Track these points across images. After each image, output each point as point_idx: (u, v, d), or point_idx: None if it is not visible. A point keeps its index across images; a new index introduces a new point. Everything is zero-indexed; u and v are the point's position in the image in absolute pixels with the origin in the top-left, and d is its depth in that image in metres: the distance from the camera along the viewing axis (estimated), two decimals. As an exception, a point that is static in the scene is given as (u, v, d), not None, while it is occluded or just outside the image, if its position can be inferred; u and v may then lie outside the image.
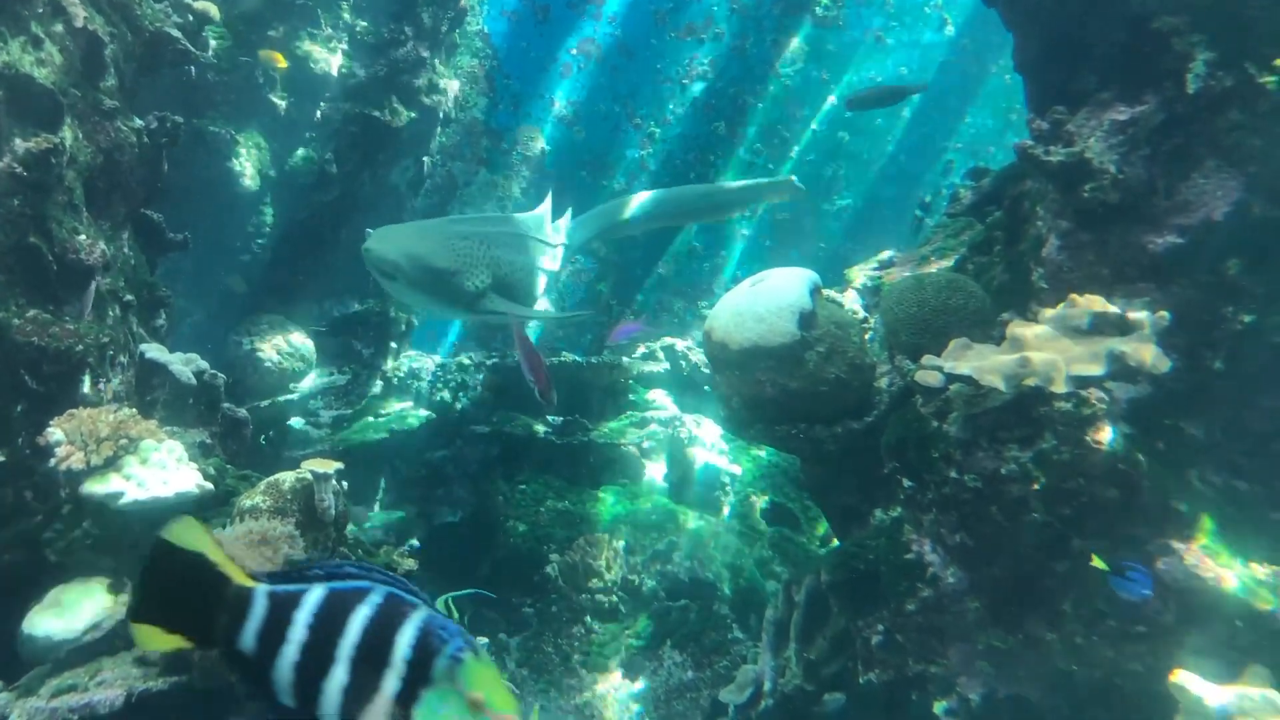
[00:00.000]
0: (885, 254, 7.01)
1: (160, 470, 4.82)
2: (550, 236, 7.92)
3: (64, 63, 5.57)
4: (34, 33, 5.33)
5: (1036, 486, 4.53)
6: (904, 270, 6.66)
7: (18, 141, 5.12)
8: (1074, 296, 4.55)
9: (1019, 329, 4.64)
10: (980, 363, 4.56)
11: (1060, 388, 4.32)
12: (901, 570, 5.17)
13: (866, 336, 6.01)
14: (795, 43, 18.46)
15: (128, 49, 6.27)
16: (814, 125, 19.57)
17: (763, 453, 10.03)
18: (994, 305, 5.33)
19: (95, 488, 4.62)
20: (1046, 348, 4.48)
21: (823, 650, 5.92)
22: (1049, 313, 4.63)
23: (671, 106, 18.74)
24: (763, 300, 5.67)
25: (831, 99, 19.52)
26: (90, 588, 4.50)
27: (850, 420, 5.68)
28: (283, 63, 9.17)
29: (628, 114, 18.60)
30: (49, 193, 5.30)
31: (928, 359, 4.81)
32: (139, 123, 6.24)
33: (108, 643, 4.34)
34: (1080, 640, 4.52)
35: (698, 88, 18.59)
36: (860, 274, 6.91)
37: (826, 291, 6.11)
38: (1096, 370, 4.29)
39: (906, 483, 5.26)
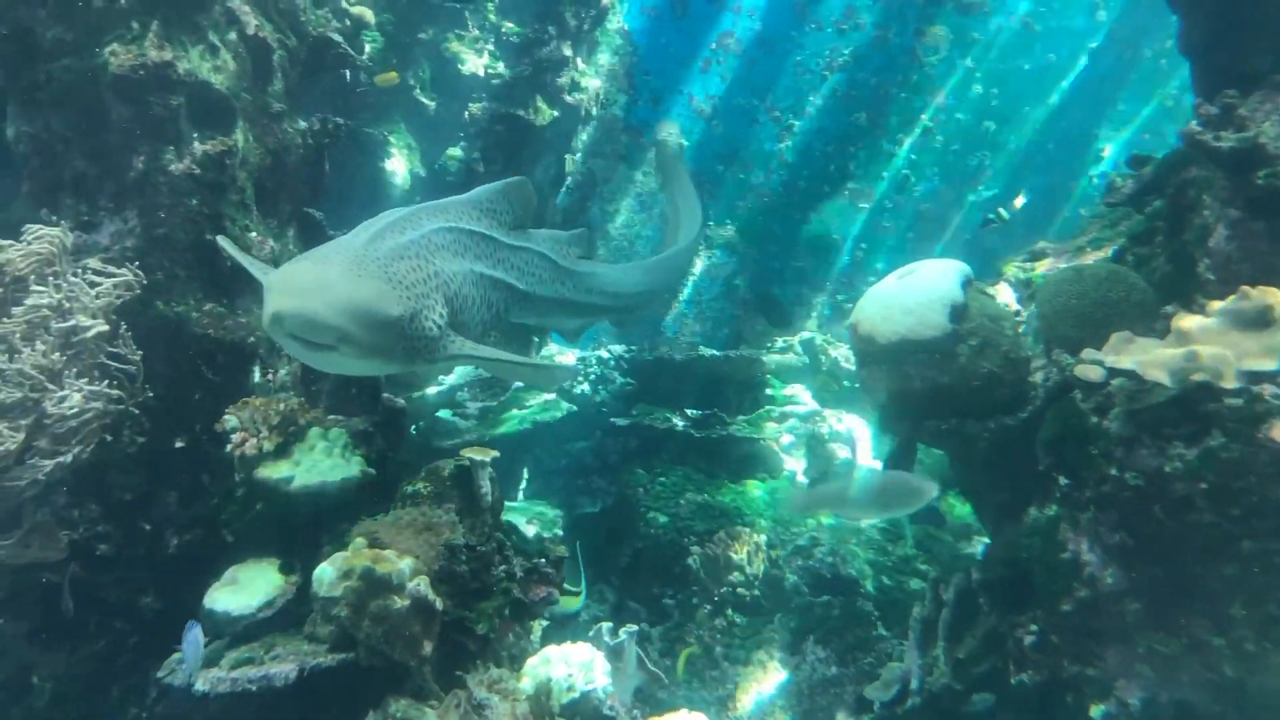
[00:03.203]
0: (1038, 245, 6.83)
1: (326, 456, 5.05)
2: (530, 241, 5.61)
3: (237, 69, 5.88)
4: (211, 41, 5.64)
5: (1203, 485, 4.36)
6: (1059, 262, 6.48)
7: (196, 144, 5.43)
8: (1245, 288, 4.36)
9: (1185, 322, 4.48)
10: (1144, 357, 4.41)
11: (1230, 383, 4.16)
12: (1057, 570, 5.04)
13: (1020, 330, 5.86)
14: (939, 30, 18.07)
15: (293, 54, 6.56)
16: (959, 114, 19.14)
17: (906, 449, 9.89)
18: (1156, 298, 5.15)
19: (268, 472, 4.88)
20: (1214, 341, 4.32)
21: (972, 649, 5.81)
22: (1217, 305, 4.45)
23: (811, 98, 18.55)
24: (912, 292, 5.59)
25: (977, 88, 19.08)
26: (263, 567, 4.77)
27: (1004, 415, 5.55)
28: (395, 78, 9.36)
29: (765, 107, 18.50)
30: (224, 192, 5.61)
31: (1088, 353, 4.68)
32: (303, 124, 6.53)
33: (280, 619, 4.58)
34: (1251, 646, 4.33)
35: (837, 79, 18.36)
36: (1013, 266, 6.75)
37: (977, 283, 5.98)
38: (1270, 365, 4.12)
39: (1063, 480, 5.12)
